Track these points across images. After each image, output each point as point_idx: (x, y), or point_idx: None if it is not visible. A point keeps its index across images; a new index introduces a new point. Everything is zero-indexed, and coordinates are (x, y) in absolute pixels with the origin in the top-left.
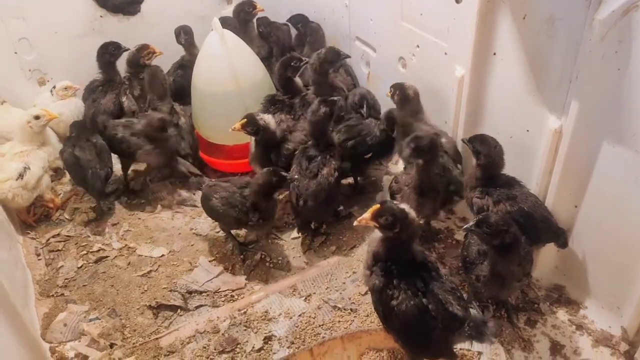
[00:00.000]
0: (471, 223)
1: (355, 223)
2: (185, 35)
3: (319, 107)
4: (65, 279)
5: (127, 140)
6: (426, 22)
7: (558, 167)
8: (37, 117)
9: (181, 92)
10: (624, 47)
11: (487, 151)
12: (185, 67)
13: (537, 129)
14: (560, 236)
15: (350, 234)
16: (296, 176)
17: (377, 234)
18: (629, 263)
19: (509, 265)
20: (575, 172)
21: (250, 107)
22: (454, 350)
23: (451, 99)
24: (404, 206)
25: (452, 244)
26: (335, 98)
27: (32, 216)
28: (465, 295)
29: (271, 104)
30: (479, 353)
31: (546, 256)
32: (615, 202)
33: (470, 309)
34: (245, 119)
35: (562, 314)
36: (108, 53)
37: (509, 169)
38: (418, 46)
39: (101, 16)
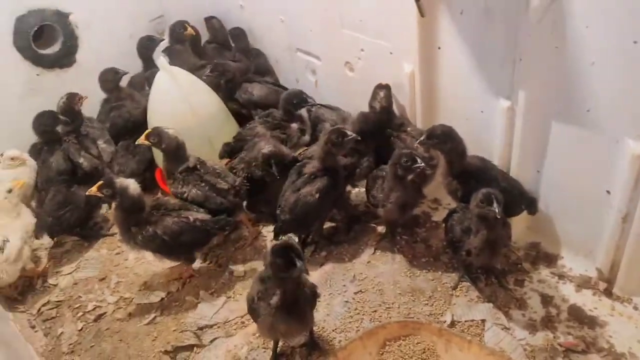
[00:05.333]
0: (495, 206)
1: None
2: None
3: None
4: (70, 344)
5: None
6: (366, 27)
7: (517, 140)
8: (9, 191)
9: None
10: (559, 27)
11: (449, 146)
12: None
13: (490, 109)
14: (532, 204)
15: (337, 237)
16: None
17: None
18: (591, 212)
19: (499, 230)
20: (534, 141)
21: (213, 137)
22: None
23: (405, 94)
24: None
25: (433, 226)
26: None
27: (15, 289)
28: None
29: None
30: (483, 321)
31: (518, 219)
32: (570, 161)
33: None
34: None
35: (543, 269)
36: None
37: (471, 147)
38: (362, 50)
39: (38, 75)
